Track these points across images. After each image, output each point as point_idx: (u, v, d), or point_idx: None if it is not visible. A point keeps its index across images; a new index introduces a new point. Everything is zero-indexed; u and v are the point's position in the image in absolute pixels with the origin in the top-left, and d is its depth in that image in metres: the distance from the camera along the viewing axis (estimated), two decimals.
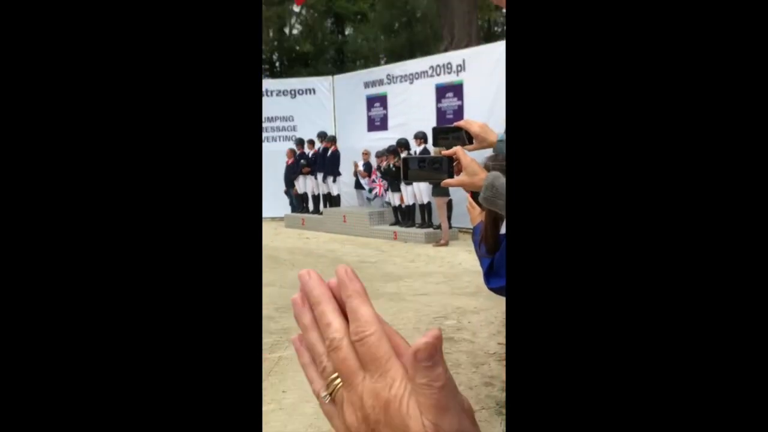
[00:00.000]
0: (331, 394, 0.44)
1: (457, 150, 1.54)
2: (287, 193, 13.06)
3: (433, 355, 0.40)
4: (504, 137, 1.77)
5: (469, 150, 1.76)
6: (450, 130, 1.73)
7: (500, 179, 1.49)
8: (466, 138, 1.73)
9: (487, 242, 1.97)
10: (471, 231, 2.19)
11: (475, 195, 2.03)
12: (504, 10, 1.82)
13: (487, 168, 1.76)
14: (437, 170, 1.54)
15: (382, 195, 11.18)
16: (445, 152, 1.54)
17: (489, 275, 1.99)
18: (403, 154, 10.15)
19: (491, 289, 2.00)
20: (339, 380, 0.43)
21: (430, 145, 9.91)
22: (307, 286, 0.46)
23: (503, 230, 2.00)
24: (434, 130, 1.75)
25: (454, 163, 1.53)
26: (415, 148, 10.09)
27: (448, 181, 1.54)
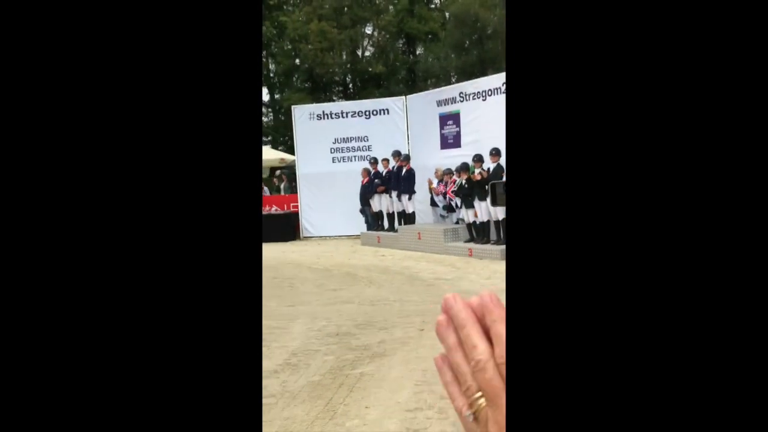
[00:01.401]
0: (474, 413, 0.46)
1: None
2: (362, 211, 13.27)
3: None
4: None
5: None
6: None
7: None
8: None
9: None
10: None
11: None
12: None
13: None
14: None
15: (448, 198, 11.18)
16: None
17: None
18: (478, 170, 10.15)
19: None
20: (483, 399, 0.45)
21: (503, 160, 9.86)
22: (452, 310, 0.48)
23: None
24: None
25: None
26: (490, 165, 10.06)
27: None
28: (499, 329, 0.45)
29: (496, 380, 0.44)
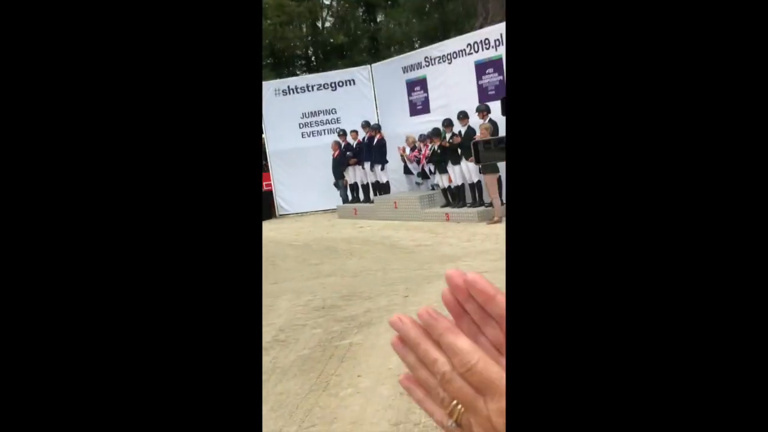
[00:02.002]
0: (456, 421, 0.47)
1: None
2: (336, 184, 13.23)
3: None
4: None
5: None
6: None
7: None
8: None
9: None
10: None
11: None
12: None
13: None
14: (504, 149, 1.60)
15: (423, 164, 11.22)
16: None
17: None
18: (449, 134, 10.16)
19: None
20: (460, 406, 0.46)
21: (472, 122, 9.88)
22: (402, 331, 0.48)
23: None
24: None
25: None
26: (460, 128, 10.07)
27: None
28: (448, 340, 0.46)
29: (465, 388, 0.45)
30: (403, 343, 0.48)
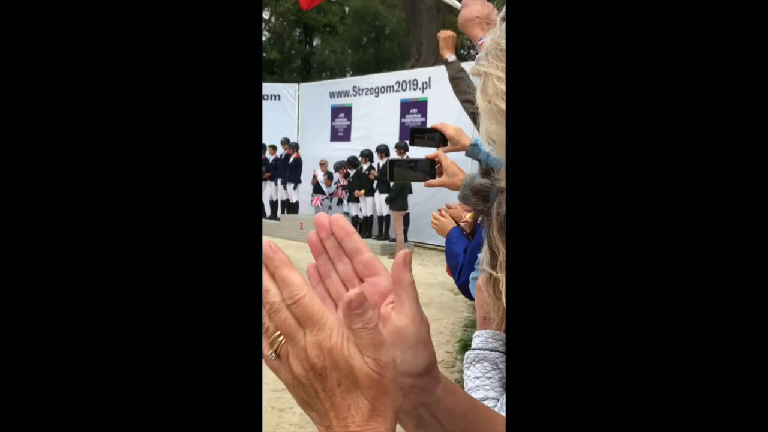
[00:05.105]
0: (276, 351, 0.49)
1: (439, 153, 1.66)
2: None
3: (362, 302, 0.47)
4: (477, 141, 1.89)
5: (444, 151, 1.88)
6: (426, 130, 1.85)
7: (477, 179, 1.60)
8: (441, 139, 1.84)
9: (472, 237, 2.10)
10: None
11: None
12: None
13: None
14: (420, 171, 1.66)
15: (341, 200, 11.29)
16: (428, 155, 1.66)
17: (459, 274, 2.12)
18: (366, 165, 10.26)
19: (459, 285, 2.12)
20: (282, 338, 0.48)
21: (390, 157, 10.04)
22: None
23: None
24: (411, 129, 1.87)
25: (436, 166, 1.65)
26: (378, 161, 10.20)
27: (431, 182, 1.66)
28: (283, 273, 0.49)
29: (289, 319, 0.48)
30: None
